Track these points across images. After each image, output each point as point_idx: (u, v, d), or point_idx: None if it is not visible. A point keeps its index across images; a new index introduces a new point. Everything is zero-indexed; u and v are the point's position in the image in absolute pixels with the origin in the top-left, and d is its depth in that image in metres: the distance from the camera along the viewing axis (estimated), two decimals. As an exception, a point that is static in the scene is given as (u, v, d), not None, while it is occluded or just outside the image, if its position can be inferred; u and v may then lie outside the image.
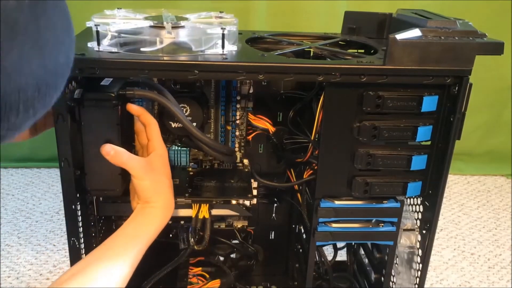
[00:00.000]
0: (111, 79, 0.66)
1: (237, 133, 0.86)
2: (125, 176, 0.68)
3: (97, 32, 0.63)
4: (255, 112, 0.84)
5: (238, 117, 0.84)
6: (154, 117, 0.79)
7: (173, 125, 0.76)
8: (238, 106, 0.83)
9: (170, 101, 0.69)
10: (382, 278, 0.84)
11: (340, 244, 0.97)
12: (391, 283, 0.85)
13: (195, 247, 0.79)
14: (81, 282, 0.55)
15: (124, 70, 0.62)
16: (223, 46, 0.66)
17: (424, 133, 0.69)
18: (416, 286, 0.80)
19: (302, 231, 0.95)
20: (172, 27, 0.65)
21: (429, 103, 0.67)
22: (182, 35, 0.67)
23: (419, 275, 0.79)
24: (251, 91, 0.82)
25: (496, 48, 0.63)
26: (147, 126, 0.69)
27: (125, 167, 0.65)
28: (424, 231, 0.77)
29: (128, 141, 0.71)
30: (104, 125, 0.65)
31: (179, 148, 0.82)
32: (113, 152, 0.64)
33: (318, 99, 0.71)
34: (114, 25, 0.66)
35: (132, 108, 0.68)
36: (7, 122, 0.37)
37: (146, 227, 0.65)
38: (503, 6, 1.64)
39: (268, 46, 0.81)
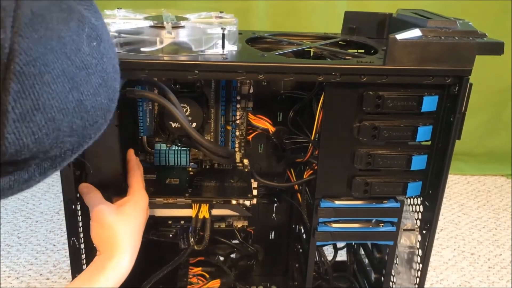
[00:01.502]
0: None
1: (237, 133, 0.86)
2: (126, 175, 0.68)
3: (97, 32, 0.63)
4: (255, 112, 0.84)
5: (238, 117, 0.84)
6: (154, 117, 0.80)
7: (173, 125, 0.76)
8: (238, 106, 0.83)
9: (172, 101, 0.69)
10: (382, 278, 0.84)
11: (340, 244, 0.97)
12: (391, 283, 0.85)
13: (195, 247, 0.79)
14: None
15: (124, 70, 0.61)
16: (223, 46, 0.66)
17: (424, 133, 0.69)
18: (416, 286, 0.80)
19: (302, 231, 0.95)
20: (172, 27, 0.65)
21: (429, 103, 0.67)
22: (182, 35, 0.67)
23: (419, 275, 0.79)
24: (251, 91, 0.82)
25: (496, 48, 0.63)
26: (129, 172, 0.69)
27: (85, 201, 0.65)
28: (424, 231, 0.77)
29: (127, 141, 0.71)
30: None
31: (179, 148, 0.82)
32: (85, 190, 0.65)
33: (318, 99, 0.71)
34: (114, 25, 0.66)
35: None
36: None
37: (95, 280, 0.58)
38: (503, 6, 1.64)
39: (268, 46, 0.81)
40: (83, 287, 0.57)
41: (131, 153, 0.71)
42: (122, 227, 0.62)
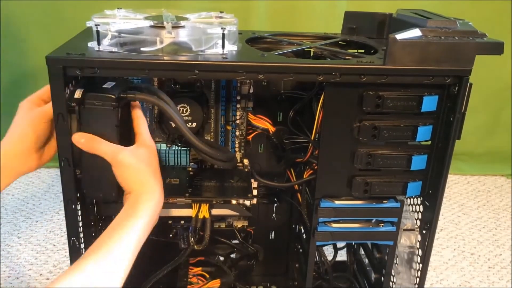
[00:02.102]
0: (113, 83, 0.66)
1: (237, 133, 0.86)
2: None
3: (97, 32, 0.63)
4: (255, 112, 0.84)
5: (238, 117, 0.84)
6: (154, 118, 0.80)
7: (173, 125, 0.76)
8: (238, 106, 0.83)
9: (171, 107, 0.69)
10: (382, 278, 0.84)
11: (340, 244, 0.97)
12: (391, 283, 0.85)
13: (195, 247, 0.79)
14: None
15: (124, 70, 0.62)
16: (223, 46, 0.66)
17: (424, 133, 0.69)
18: (416, 286, 0.80)
19: (302, 231, 0.95)
20: (172, 27, 0.65)
21: (429, 103, 0.67)
22: (182, 35, 0.67)
23: (419, 275, 0.79)
24: (251, 91, 0.82)
25: (496, 48, 0.63)
26: (135, 120, 0.68)
27: (98, 152, 0.63)
28: (424, 231, 0.77)
29: (127, 144, 0.71)
30: (103, 126, 0.64)
31: (179, 148, 0.82)
32: (83, 140, 0.63)
33: (318, 99, 0.71)
34: (114, 25, 0.66)
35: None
36: None
37: (132, 221, 0.59)
38: (503, 6, 1.64)
39: (268, 46, 0.81)
40: (121, 231, 0.58)
41: (136, 103, 0.69)
42: (145, 166, 0.64)
